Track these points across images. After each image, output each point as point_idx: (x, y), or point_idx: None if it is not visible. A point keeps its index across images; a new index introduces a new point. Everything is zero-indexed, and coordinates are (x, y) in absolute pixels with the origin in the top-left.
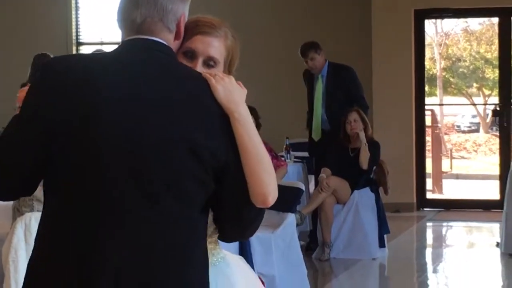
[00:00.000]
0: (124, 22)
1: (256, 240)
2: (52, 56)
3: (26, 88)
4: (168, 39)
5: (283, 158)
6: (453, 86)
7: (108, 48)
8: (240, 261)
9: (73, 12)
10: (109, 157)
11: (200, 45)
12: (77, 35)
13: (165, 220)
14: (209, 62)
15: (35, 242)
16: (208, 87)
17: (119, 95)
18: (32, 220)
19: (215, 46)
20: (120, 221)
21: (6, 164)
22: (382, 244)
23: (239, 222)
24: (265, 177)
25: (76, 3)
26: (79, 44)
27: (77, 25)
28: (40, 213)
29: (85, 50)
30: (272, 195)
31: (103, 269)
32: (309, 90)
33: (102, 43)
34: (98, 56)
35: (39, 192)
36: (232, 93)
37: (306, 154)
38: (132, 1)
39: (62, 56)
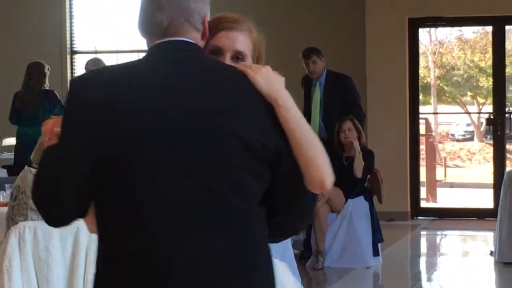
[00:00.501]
0: (149, 27)
1: None
2: (46, 65)
3: (51, 120)
4: (195, 38)
5: None
6: (447, 94)
7: (103, 57)
8: (285, 266)
9: (68, 21)
10: (163, 164)
11: (225, 41)
12: (71, 44)
13: (233, 217)
14: (237, 57)
15: (100, 261)
16: (246, 79)
17: (157, 102)
18: (26, 229)
19: (240, 40)
20: (187, 223)
21: (57, 192)
22: (376, 253)
23: (296, 212)
24: (319, 161)
25: (71, 11)
26: (73, 52)
27: (71, 33)
28: (34, 222)
29: (79, 59)
30: (329, 178)
31: (170, 271)
32: (306, 96)
33: (96, 52)
34: (129, 66)
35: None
36: (272, 81)
37: None
38: (154, 6)
39: (91, 72)
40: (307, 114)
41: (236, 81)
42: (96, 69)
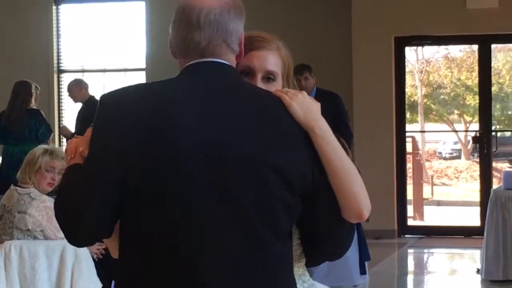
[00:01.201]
0: (185, 47)
1: None
2: (33, 84)
3: (75, 140)
4: (231, 60)
5: None
6: (434, 112)
7: (90, 76)
8: None
9: (54, 40)
10: (194, 187)
11: (256, 61)
12: (58, 63)
13: (255, 245)
14: (269, 77)
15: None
16: (282, 106)
17: (194, 124)
18: (12, 248)
19: (271, 60)
20: (212, 248)
21: (84, 215)
22: (363, 271)
23: (334, 242)
24: (357, 190)
25: (58, 30)
26: (60, 71)
27: (58, 52)
28: (19, 241)
29: (66, 77)
30: (366, 208)
31: None
32: None
33: (83, 71)
34: (162, 85)
35: (18, 221)
36: (309, 109)
37: None
38: (192, 25)
39: (121, 90)
40: None
41: (272, 107)
42: (126, 87)
